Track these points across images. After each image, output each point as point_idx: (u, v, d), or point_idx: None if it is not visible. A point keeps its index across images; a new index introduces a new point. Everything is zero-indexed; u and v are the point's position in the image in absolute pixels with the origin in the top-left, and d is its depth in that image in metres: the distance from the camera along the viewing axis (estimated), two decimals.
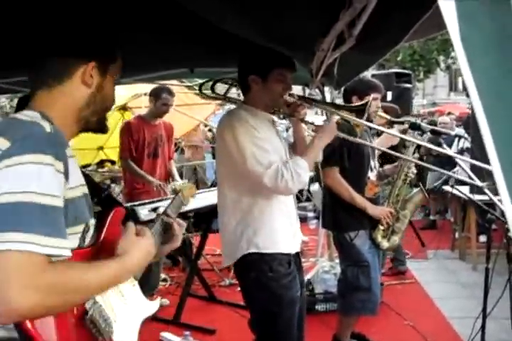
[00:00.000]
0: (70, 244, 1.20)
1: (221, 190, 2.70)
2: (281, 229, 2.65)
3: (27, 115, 1.26)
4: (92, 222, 1.43)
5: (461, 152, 7.05)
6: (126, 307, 1.53)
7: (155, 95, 5.07)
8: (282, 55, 2.64)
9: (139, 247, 1.40)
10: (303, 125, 2.83)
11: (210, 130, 11.62)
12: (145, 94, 6.79)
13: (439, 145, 3.41)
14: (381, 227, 3.57)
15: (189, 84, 7.71)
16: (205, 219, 4.94)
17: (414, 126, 3.05)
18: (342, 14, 1.94)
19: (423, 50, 23.58)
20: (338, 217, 3.63)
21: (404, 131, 3.52)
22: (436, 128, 3.75)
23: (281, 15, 2.31)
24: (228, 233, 2.66)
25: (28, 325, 1.16)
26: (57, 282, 1.11)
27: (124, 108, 8.02)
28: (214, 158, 11.32)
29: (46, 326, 1.19)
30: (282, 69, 2.60)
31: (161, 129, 5.22)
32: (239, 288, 5.17)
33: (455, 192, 5.26)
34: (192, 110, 8.31)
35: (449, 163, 8.09)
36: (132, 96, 7.65)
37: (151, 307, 1.69)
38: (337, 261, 4.95)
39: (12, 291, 1.03)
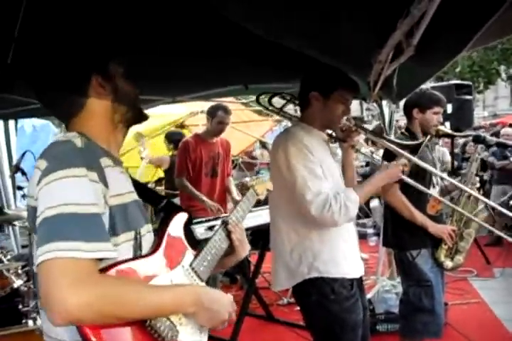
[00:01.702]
0: (125, 250, 1.32)
1: (276, 212, 2.64)
2: (343, 253, 2.57)
3: (66, 136, 1.35)
4: (147, 228, 1.47)
5: None
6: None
7: (210, 113, 5.06)
8: (347, 76, 2.61)
9: (217, 296, 1.46)
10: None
11: (264, 146, 11.63)
12: (201, 112, 6.86)
13: (505, 158, 3.24)
14: (444, 246, 3.42)
15: (245, 101, 7.74)
16: (262, 237, 4.86)
17: (479, 140, 2.92)
18: (400, 23, 1.85)
19: (482, 61, 22.99)
20: (399, 234, 3.50)
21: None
22: (502, 140, 3.57)
23: (336, 27, 2.26)
24: (283, 257, 2.58)
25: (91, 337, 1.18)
26: (106, 289, 1.18)
27: (181, 126, 8.13)
28: None
29: (109, 332, 1.22)
30: (345, 91, 2.56)
31: (218, 147, 5.21)
32: (297, 307, 5.12)
33: None
34: (249, 127, 8.35)
35: None
36: (189, 113, 7.75)
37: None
38: (399, 279, 4.80)
39: (61, 292, 1.11)
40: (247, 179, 2.01)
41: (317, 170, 2.43)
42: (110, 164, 1.37)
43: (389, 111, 4.45)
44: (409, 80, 2.86)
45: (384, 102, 4.38)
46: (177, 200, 5.27)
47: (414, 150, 2.57)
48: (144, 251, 1.41)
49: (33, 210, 1.27)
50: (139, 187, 1.53)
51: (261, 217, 4.58)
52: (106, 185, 1.30)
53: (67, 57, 1.45)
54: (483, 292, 5.62)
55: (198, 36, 2.70)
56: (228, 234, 1.71)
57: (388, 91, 3.18)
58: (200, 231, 3.86)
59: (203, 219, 4.23)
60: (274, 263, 2.67)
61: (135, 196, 1.46)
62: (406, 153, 2.55)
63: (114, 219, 1.31)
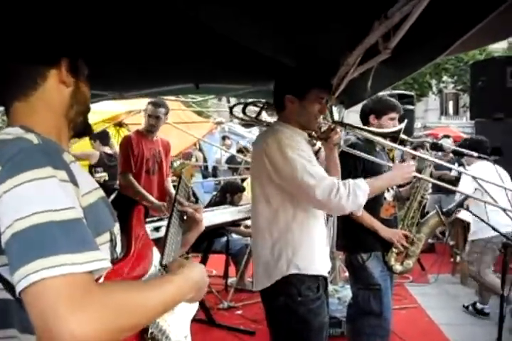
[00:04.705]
0: (105, 254, 1.08)
1: (256, 210, 2.60)
2: (318, 249, 2.57)
3: (8, 133, 1.10)
4: (117, 226, 1.29)
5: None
6: (174, 315, 1.42)
7: (145, 109, 5.09)
8: (321, 75, 2.58)
9: (195, 267, 1.33)
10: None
11: (200, 150, 11.56)
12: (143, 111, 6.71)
13: (461, 165, 3.30)
14: (395, 250, 3.43)
15: (184, 99, 7.63)
16: (204, 240, 4.80)
17: (436, 147, 2.95)
18: (376, 26, 1.83)
19: (416, 74, 23.71)
20: (349, 237, 3.50)
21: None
22: (459, 148, 3.64)
23: (302, 28, 2.22)
24: (264, 254, 2.56)
25: None
26: (112, 301, 0.95)
27: (119, 124, 7.90)
28: (204, 177, 11.27)
29: None
30: (319, 90, 2.53)
31: (158, 145, 5.16)
32: (238, 311, 5.08)
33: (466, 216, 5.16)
34: (188, 128, 8.22)
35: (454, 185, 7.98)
36: (127, 112, 7.52)
37: (192, 307, 1.56)
38: (341, 284, 4.83)
39: (62, 322, 0.87)
40: (175, 164, 1.96)
41: (313, 159, 2.43)
42: (72, 159, 1.17)
43: (339, 116, 4.45)
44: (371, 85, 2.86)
45: (334, 108, 4.38)
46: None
47: (393, 138, 2.57)
48: (118, 255, 1.26)
49: None
50: None
51: (205, 219, 4.50)
52: (76, 183, 1.09)
53: (45, 24, 1.27)
54: (420, 297, 5.74)
55: (149, 32, 2.60)
56: (181, 212, 1.70)
57: (344, 97, 3.17)
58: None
59: (147, 219, 4.11)
60: (254, 264, 2.67)
61: (101, 192, 1.25)
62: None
63: (87, 222, 1.07)
